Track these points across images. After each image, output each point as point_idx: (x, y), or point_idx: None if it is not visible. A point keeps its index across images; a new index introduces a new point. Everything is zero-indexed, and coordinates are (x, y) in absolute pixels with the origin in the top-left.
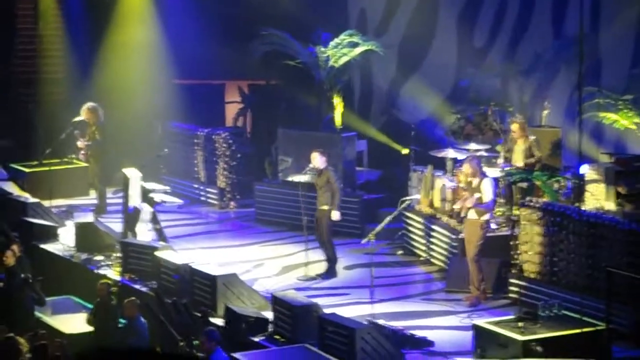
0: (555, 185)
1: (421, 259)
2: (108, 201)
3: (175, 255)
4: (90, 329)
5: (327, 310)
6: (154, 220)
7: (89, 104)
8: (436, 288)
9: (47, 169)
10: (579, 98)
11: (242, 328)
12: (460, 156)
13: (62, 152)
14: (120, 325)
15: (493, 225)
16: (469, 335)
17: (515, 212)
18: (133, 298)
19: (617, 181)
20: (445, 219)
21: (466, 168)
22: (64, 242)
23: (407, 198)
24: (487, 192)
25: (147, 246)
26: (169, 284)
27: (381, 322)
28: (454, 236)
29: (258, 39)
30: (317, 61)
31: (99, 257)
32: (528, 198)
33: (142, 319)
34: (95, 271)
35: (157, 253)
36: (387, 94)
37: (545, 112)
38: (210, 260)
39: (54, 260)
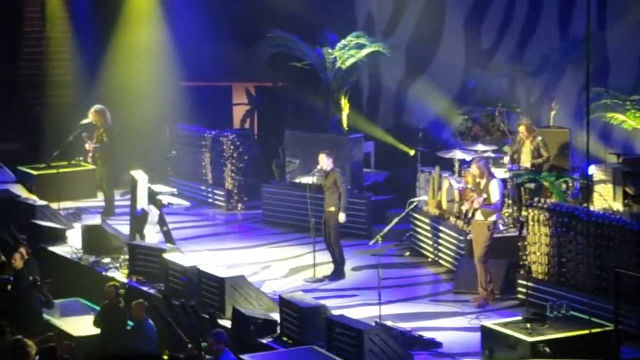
0: (563, 186)
1: (429, 260)
2: (116, 203)
3: (183, 257)
4: (99, 331)
5: (334, 312)
6: (162, 222)
7: (97, 106)
8: (444, 289)
9: (54, 171)
10: (586, 98)
11: (250, 330)
12: (467, 157)
13: (70, 155)
14: (128, 328)
15: (501, 226)
16: (477, 336)
17: (523, 213)
18: (141, 300)
19: (625, 181)
20: (452, 220)
21: (474, 169)
22: (72, 245)
23: (415, 199)
24: (494, 193)
25: (154, 248)
26: (176, 286)
27: (389, 323)
28: (461, 237)
29: (265, 41)
30: (324, 63)
31: (107, 260)
32: (536, 199)
33: (150, 321)
34: (103, 273)
35: (164, 255)
36: (394, 95)
37: (553, 112)
38: (218, 262)
39: (61, 263)
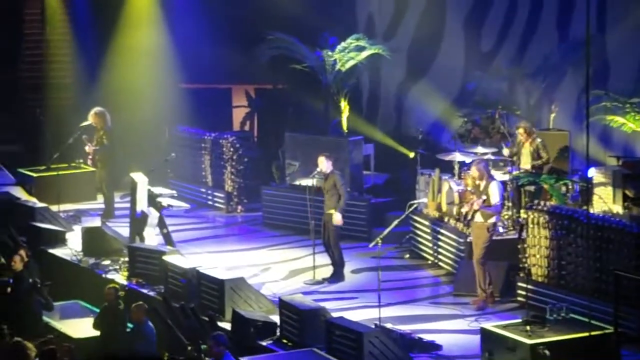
0: (563, 189)
1: (429, 262)
2: (115, 206)
3: (183, 259)
4: (98, 333)
5: (334, 314)
6: (162, 224)
7: (97, 109)
8: (444, 292)
9: (54, 173)
10: (586, 101)
11: (250, 332)
12: (467, 159)
13: (70, 157)
14: (127, 330)
15: (501, 229)
16: (476, 338)
17: (523, 215)
18: (141, 302)
19: (624, 184)
20: (452, 222)
21: (473, 171)
22: (72, 247)
23: (415, 202)
24: (494, 195)
25: (154, 250)
26: (176, 288)
27: (389, 325)
28: (461, 239)
29: (265, 43)
30: (324, 65)
31: (107, 262)
32: (536, 201)
33: (150, 324)
34: (103, 276)
35: (164, 257)
36: (394, 98)
37: (552, 115)
38: (218, 265)
39: (61, 265)
